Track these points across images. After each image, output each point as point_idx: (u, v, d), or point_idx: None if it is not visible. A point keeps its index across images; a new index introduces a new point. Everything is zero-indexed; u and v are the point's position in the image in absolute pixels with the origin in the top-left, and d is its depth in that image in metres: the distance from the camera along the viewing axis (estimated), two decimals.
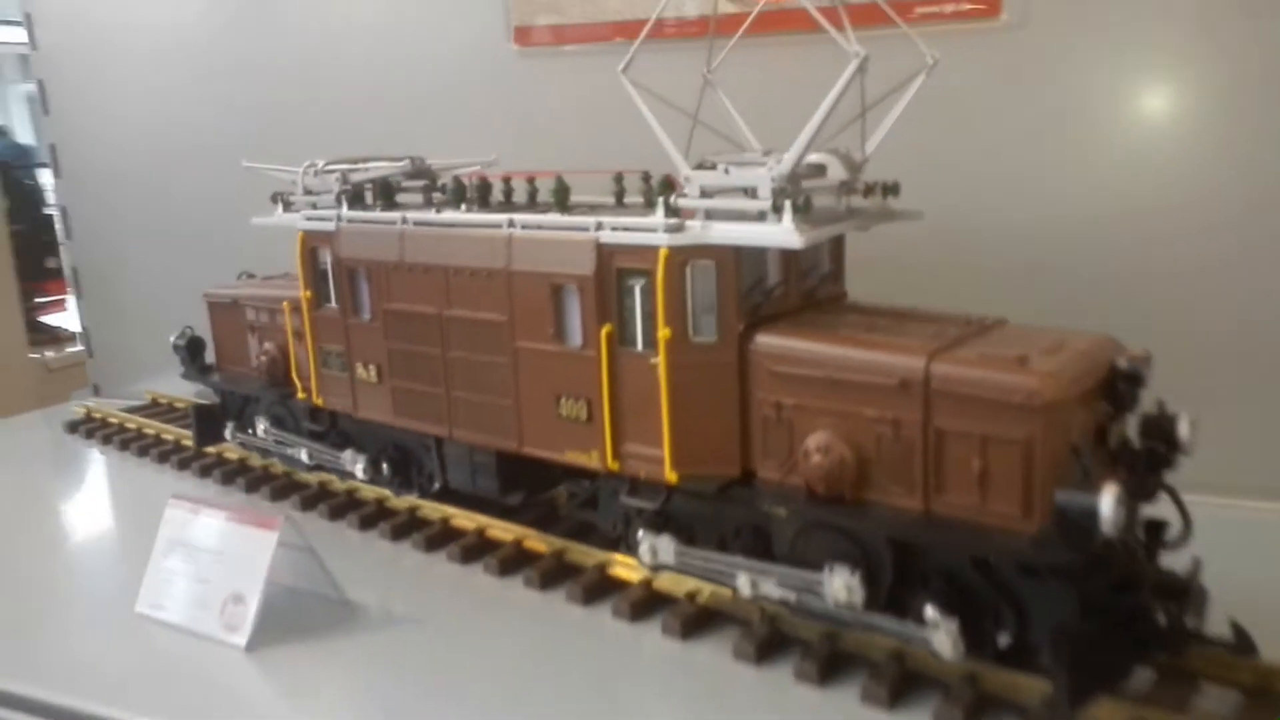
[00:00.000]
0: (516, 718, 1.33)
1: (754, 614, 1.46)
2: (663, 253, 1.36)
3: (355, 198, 1.84)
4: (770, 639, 1.43)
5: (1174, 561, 1.29)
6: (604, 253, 1.44)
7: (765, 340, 1.37)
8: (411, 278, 1.69)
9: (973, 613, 1.25)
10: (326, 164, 1.89)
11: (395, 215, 1.72)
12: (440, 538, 1.85)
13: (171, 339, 2.27)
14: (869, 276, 1.58)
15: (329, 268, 1.84)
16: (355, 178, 1.86)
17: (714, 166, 1.39)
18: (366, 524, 1.97)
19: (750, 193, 1.35)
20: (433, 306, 1.66)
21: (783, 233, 1.29)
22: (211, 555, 1.61)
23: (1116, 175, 1.92)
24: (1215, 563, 1.28)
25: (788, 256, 1.44)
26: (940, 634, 1.23)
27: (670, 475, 1.43)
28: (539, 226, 1.52)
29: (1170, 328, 1.70)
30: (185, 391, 2.74)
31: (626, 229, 1.41)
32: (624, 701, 1.36)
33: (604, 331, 1.45)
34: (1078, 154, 1.94)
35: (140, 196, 3.06)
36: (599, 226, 1.44)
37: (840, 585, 1.31)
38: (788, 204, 1.30)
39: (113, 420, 2.75)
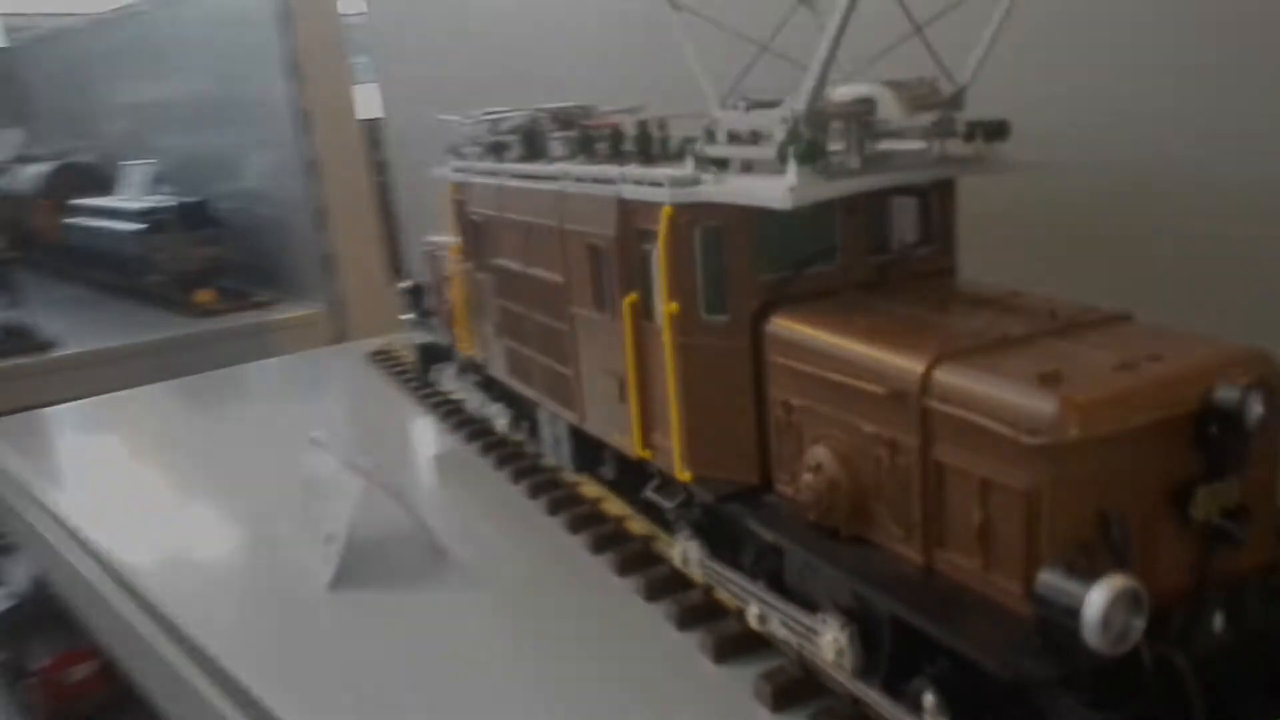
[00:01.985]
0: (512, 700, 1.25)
1: (791, 651, 1.21)
2: (665, 212, 1.14)
3: (495, 149, 1.78)
4: (795, 686, 1.17)
5: None
6: (625, 211, 1.24)
7: (776, 324, 1.10)
8: (507, 233, 1.61)
9: (981, 710, 0.92)
10: (483, 114, 1.86)
11: (498, 168, 1.64)
12: (563, 501, 1.78)
13: (400, 285, 2.41)
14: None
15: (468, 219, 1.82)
16: (502, 127, 1.80)
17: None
18: (520, 476, 1.95)
19: (764, 138, 1.08)
20: (520, 264, 1.57)
21: (774, 189, 1.02)
22: (323, 494, 1.69)
23: None
24: None
25: (846, 219, 1.15)
26: None
27: (682, 473, 1.22)
28: (585, 180, 1.36)
29: None
30: None
31: (643, 183, 1.20)
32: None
33: (627, 302, 1.26)
34: None
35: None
36: (623, 179, 1.24)
37: (829, 643, 1.03)
38: (790, 152, 1.02)
39: (398, 354, 3.01)
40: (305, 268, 3.91)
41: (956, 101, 1.12)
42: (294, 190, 3.77)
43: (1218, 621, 0.84)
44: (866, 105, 1.08)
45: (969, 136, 1.12)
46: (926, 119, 1.10)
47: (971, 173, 1.11)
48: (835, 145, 1.11)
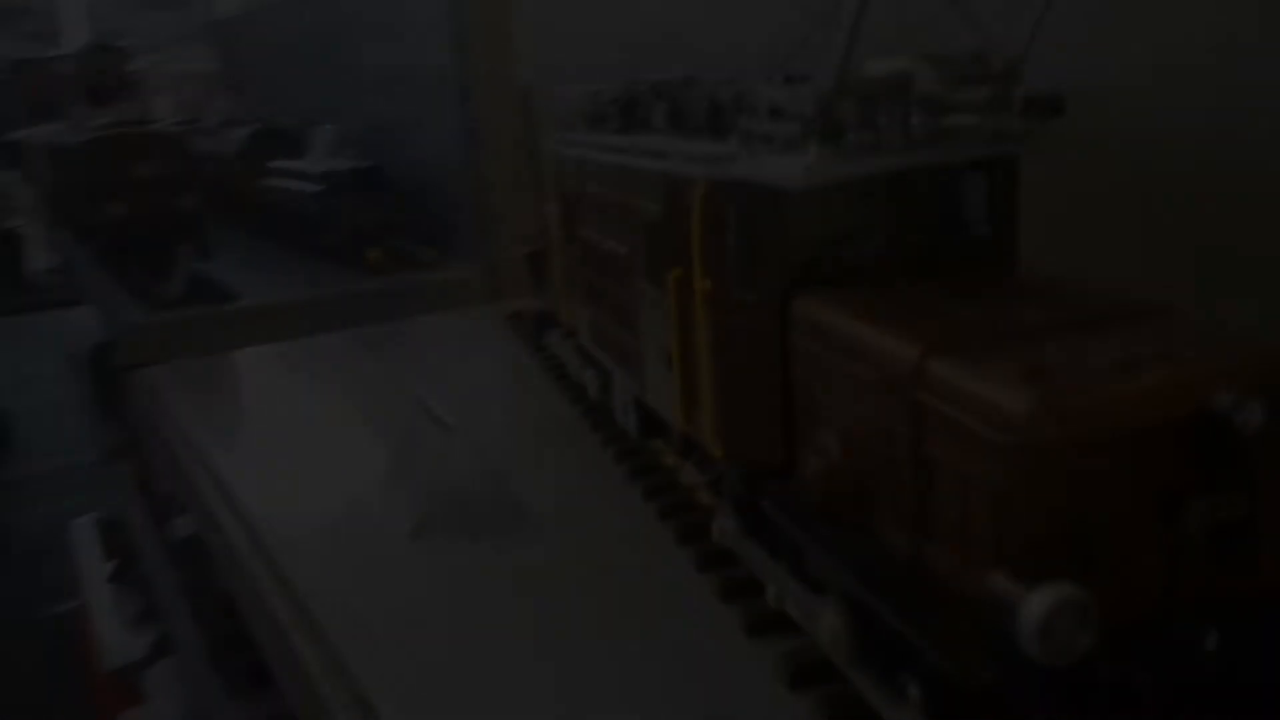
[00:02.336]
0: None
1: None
2: (699, 188, 1.14)
3: (594, 121, 1.80)
4: (813, 667, 1.17)
5: None
6: (672, 186, 1.25)
7: (800, 305, 1.08)
8: (588, 206, 1.64)
9: (962, 708, 0.89)
10: (585, 86, 1.89)
11: (586, 140, 1.67)
12: (643, 469, 1.81)
13: (520, 252, 2.49)
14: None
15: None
16: (601, 99, 1.83)
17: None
18: (609, 441, 1.99)
19: (791, 115, 1.06)
20: (599, 235, 1.60)
21: (784, 168, 1.00)
22: (418, 447, 1.79)
23: None
24: None
25: (888, 197, 1.11)
26: None
27: (714, 449, 1.22)
28: (642, 154, 1.36)
29: None
30: None
31: (686, 158, 1.20)
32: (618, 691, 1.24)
33: (673, 276, 1.27)
34: None
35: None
36: (670, 154, 1.25)
37: (826, 626, 1.02)
38: (811, 130, 0.99)
39: (529, 317, 3.11)
40: (464, 230, 4.08)
41: (1011, 75, 1.05)
42: (456, 155, 3.93)
43: (1210, 641, 0.77)
44: (902, 80, 1.04)
45: (1023, 112, 1.06)
46: (975, 94, 1.05)
47: (1022, 150, 1.05)
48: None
